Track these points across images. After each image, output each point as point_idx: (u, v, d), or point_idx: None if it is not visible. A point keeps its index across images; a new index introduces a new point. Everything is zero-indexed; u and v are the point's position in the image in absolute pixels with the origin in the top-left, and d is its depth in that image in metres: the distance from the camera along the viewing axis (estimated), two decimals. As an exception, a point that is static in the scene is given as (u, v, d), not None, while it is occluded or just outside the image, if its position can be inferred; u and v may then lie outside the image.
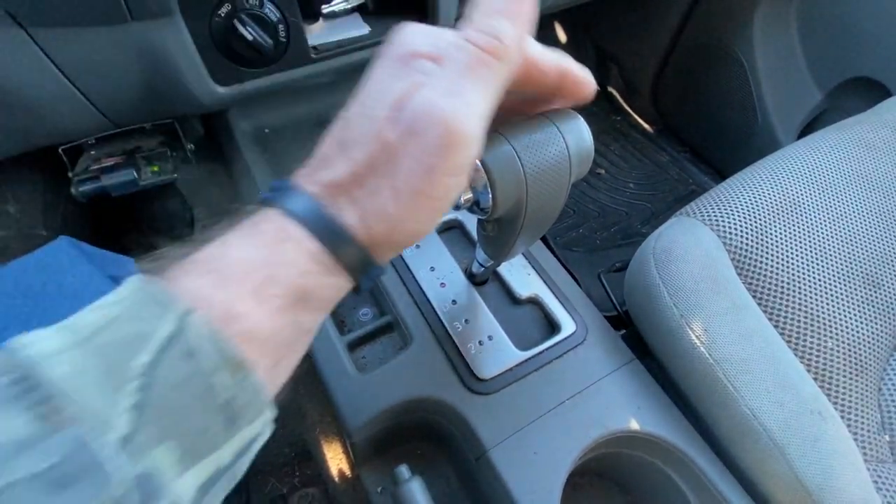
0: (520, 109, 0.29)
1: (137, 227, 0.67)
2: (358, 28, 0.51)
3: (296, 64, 0.48)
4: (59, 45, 0.38)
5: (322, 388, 0.46)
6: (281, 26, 0.45)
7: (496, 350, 0.45)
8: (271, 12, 0.43)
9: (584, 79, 0.27)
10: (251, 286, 0.19)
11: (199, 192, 0.69)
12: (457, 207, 0.29)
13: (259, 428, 0.20)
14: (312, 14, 0.51)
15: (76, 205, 0.59)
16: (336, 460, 0.56)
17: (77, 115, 0.45)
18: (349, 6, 0.52)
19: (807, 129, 0.96)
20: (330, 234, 0.21)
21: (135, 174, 0.50)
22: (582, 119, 0.30)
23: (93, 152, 0.52)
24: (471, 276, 0.50)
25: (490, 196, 0.28)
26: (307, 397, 0.60)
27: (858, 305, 0.50)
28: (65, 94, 0.42)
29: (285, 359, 0.21)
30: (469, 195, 0.28)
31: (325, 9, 0.51)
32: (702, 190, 1.11)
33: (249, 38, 0.43)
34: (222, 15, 0.42)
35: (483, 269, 0.46)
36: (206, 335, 0.17)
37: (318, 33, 0.50)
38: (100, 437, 0.15)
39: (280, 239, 0.20)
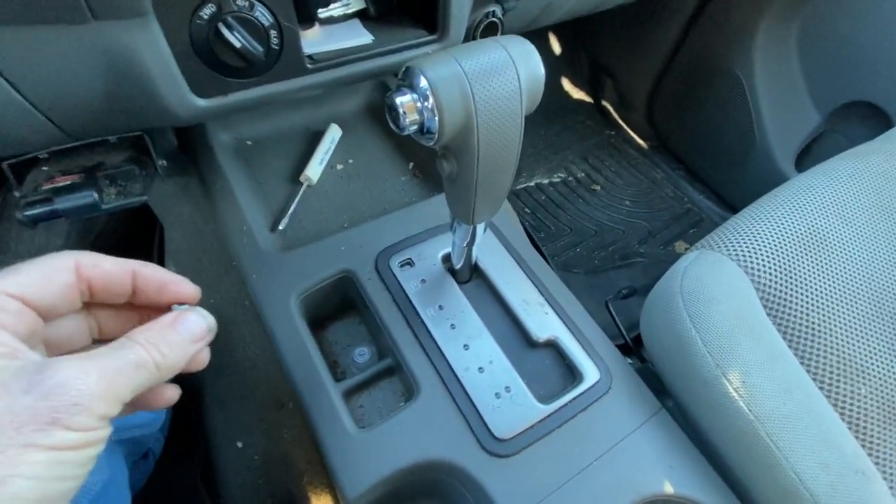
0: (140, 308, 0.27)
1: (96, 250, 0.59)
2: (359, 36, 0.45)
3: (288, 75, 0.42)
4: (1, 45, 0.31)
5: (311, 438, 0.40)
6: (273, 32, 0.39)
7: (515, 404, 0.40)
8: (263, 15, 0.38)
9: (160, 275, 0.25)
10: None
11: (169, 209, 0.61)
12: (401, 130, 0.28)
13: None
14: (308, 18, 0.45)
15: (20, 228, 0.50)
16: (326, 517, 0.50)
17: (24, 126, 0.38)
18: (349, 11, 0.47)
19: (804, 152, 0.95)
20: None
21: (95, 196, 0.43)
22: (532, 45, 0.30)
23: (45, 168, 0.45)
24: (451, 270, 0.47)
25: (437, 119, 0.27)
26: (293, 443, 0.54)
27: (889, 347, 0.47)
28: (9, 102, 0.35)
29: None
30: (415, 116, 0.28)
31: (322, 13, 0.46)
32: (697, 209, 1.10)
33: (237, 44, 0.37)
34: (205, 17, 0.36)
35: (460, 248, 0.43)
36: None
37: (313, 40, 0.44)
38: None
39: None
